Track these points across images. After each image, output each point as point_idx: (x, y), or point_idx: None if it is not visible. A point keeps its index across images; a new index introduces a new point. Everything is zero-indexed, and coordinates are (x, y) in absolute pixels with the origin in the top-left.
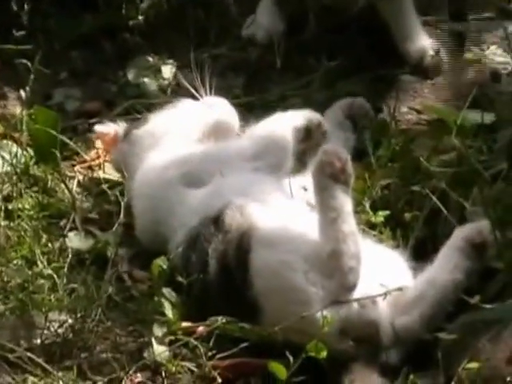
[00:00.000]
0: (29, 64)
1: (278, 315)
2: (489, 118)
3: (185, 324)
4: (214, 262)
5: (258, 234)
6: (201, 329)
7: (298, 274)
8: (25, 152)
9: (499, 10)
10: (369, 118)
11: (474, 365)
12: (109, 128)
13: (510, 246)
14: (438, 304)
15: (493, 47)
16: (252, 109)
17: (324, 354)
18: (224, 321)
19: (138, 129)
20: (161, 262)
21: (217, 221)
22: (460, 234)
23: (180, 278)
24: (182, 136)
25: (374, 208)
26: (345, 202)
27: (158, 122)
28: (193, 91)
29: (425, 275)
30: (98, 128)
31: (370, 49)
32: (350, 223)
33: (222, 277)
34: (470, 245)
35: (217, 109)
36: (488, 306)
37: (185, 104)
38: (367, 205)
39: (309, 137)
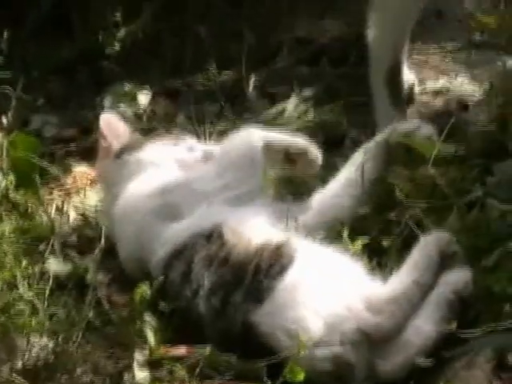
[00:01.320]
0: (7, 91)
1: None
2: (461, 148)
3: (167, 349)
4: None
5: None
6: (182, 350)
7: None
8: (4, 177)
9: (468, 40)
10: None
11: None
12: (117, 121)
13: (484, 274)
14: (422, 352)
15: (459, 77)
16: (226, 136)
17: (301, 377)
18: (210, 351)
19: (129, 155)
20: (144, 288)
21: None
22: (449, 286)
23: (163, 304)
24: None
25: (352, 236)
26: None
27: (150, 153)
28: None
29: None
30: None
31: (340, 78)
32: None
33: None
34: (458, 298)
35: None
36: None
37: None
38: (345, 233)
39: (290, 161)
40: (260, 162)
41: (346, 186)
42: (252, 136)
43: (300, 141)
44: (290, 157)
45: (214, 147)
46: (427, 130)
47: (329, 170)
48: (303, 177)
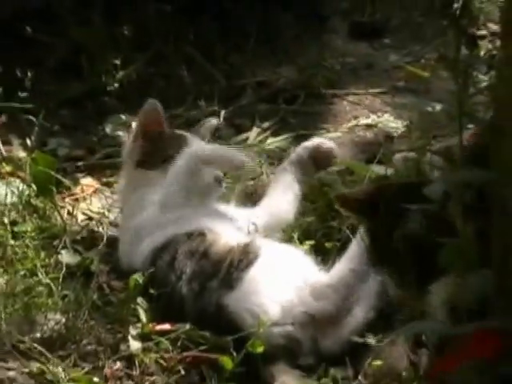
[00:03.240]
0: (31, 118)
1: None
2: (390, 171)
3: (155, 325)
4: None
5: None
6: (167, 326)
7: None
8: (27, 187)
9: (392, 86)
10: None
11: (376, 362)
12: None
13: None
14: (356, 332)
15: (386, 115)
16: None
17: (260, 349)
18: (188, 327)
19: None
20: (137, 277)
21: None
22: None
23: (151, 290)
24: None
25: (301, 239)
26: None
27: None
28: None
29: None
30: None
31: (292, 114)
32: None
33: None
34: (385, 289)
35: None
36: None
37: None
38: (295, 236)
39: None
40: (195, 171)
41: (282, 192)
42: (190, 153)
43: (229, 151)
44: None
45: None
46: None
47: None
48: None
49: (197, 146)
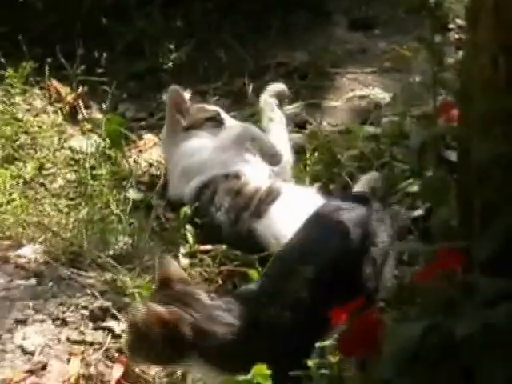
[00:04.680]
0: (106, 88)
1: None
2: (378, 130)
3: (199, 246)
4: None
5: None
6: (208, 246)
7: None
8: (103, 141)
9: (380, 67)
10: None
11: None
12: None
13: None
14: None
15: (376, 88)
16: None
17: None
18: (225, 248)
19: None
20: (185, 209)
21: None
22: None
23: (197, 219)
24: None
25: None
26: None
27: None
28: None
29: None
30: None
31: (303, 87)
32: None
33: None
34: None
35: None
36: None
37: None
38: (307, 180)
39: None
40: (242, 141)
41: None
42: (246, 128)
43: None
44: None
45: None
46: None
47: None
48: None
49: (252, 127)
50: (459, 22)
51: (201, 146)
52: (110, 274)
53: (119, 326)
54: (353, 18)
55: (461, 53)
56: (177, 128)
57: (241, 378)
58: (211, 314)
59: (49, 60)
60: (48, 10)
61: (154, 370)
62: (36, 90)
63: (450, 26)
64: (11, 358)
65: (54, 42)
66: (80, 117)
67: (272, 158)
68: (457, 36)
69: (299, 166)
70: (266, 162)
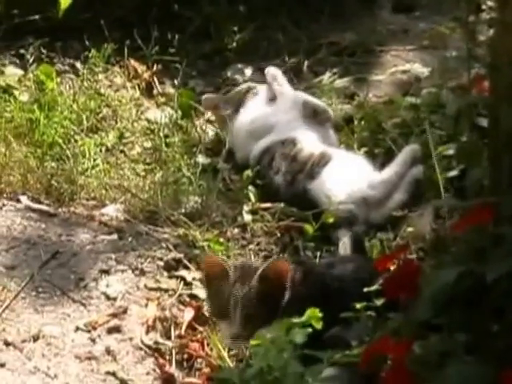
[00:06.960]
0: (177, 66)
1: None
2: (417, 101)
3: (260, 204)
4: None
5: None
6: (268, 204)
7: None
8: (175, 112)
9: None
10: None
11: (409, 229)
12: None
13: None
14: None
15: (416, 64)
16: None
17: (331, 219)
18: (283, 205)
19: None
20: (248, 172)
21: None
22: (412, 174)
23: (258, 181)
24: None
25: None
26: None
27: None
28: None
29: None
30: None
31: (352, 63)
32: None
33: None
34: (416, 181)
35: None
36: None
37: None
38: (355, 145)
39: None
40: (298, 106)
41: None
42: (298, 94)
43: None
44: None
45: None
46: None
47: None
48: None
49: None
50: (490, 3)
51: (256, 113)
52: (182, 229)
53: (190, 275)
54: (396, 1)
55: (492, 31)
56: (226, 119)
57: (296, 320)
58: None
59: (127, 42)
60: None
61: None
62: (116, 69)
63: (483, 7)
64: (96, 303)
65: (132, 26)
66: (155, 92)
67: (324, 114)
68: (488, 16)
69: (348, 134)
70: (318, 123)
